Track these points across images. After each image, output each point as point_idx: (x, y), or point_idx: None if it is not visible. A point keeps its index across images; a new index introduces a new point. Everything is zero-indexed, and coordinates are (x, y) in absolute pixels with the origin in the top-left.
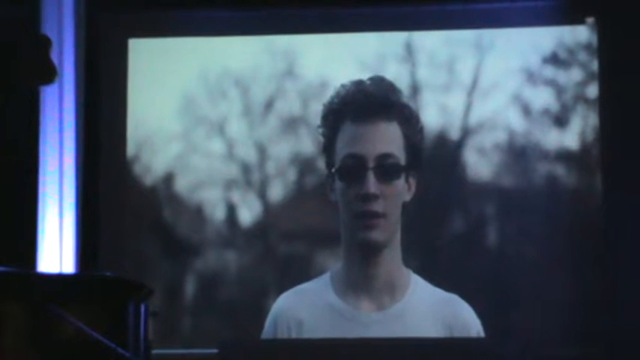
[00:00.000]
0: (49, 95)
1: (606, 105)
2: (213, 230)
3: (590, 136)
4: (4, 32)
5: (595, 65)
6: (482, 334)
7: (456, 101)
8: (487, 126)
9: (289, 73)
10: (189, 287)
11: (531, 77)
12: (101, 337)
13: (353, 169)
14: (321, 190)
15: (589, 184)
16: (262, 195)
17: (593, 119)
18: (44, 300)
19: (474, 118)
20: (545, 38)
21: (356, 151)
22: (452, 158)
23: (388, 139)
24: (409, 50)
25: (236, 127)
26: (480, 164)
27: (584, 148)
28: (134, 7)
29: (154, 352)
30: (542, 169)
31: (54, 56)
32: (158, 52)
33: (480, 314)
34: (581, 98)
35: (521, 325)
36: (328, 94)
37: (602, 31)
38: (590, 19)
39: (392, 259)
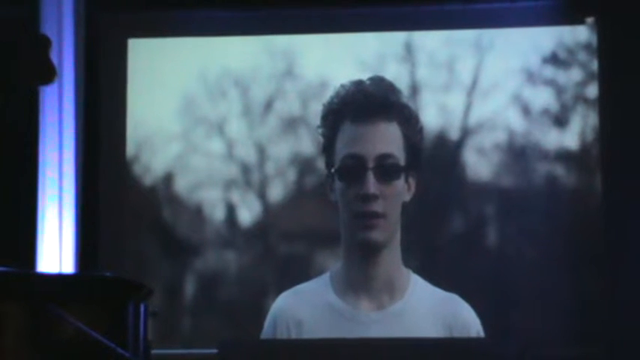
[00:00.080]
0: (48, 95)
1: (606, 105)
2: (213, 230)
3: (590, 136)
4: (4, 32)
5: (595, 65)
6: (482, 333)
7: (455, 101)
8: (487, 126)
9: (289, 73)
10: (189, 287)
11: (531, 77)
12: (101, 337)
13: (353, 170)
14: (320, 190)
15: (589, 184)
16: (262, 195)
17: (593, 119)
18: (44, 300)
19: (474, 118)
20: (545, 38)
21: (356, 152)
22: (452, 158)
23: (388, 139)
24: (409, 50)
25: (236, 127)
26: (479, 164)
27: (584, 148)
28: (134, 7)
29: (154, 352)
30: (542, 169)
31: (53, 56)
32: (158, 52)
33: (480, 314)
34: (580, 98)
35: (521, 325)
36: (328, 94)
37: (602, 31)
38: (589, 19)
39: (391, 259)
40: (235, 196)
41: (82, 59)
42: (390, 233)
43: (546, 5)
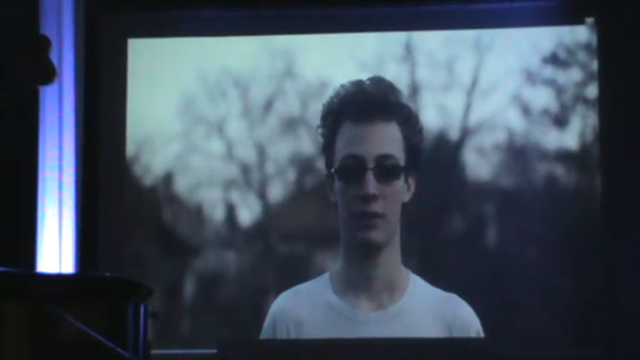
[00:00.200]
0: (48, 95)
1: (606, 105)
2: (213, 230)
3: (590, 136)
4: (4, 32)
5: (594, 65)
6: (481, 333)
7: (455, 101)
8: (487, 126)
9: (289, 73)
10: (189, 287)
11: (531, 77)
12: (100, 337)
13: (352, 170)
14: (320, 190)
15: (589, 184)
16: (262, 195)
17: (593, 119)
18: (44, 300)
19: (474, 119)
20: (544, 38)
21: (355, 152)
22: (451, 158)
23: (387, 139)
24: (409, 50)
25: (235, 127)
26: (479, 164)
27: (584, 148)
28: (134, 7)
29: (154, 352)
30: (542, 169)
31: (53, 56)
32: (157, 52)
33: (480, 314)
34: (580, 98)
35: (521, 325)
36: (328, 95)
37: (602, 31)
38: (589, 19)
39: (391, 259)
40: (235, 196)
41: (82, 59)
42: (389, 233)
43: (546, 5)
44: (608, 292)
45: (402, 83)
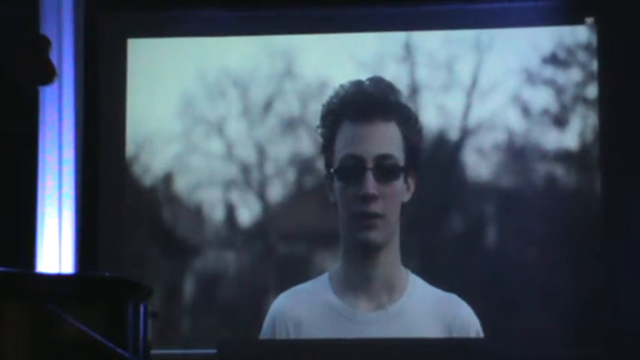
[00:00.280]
0: (48, 95)
1: (606, 105)
2: (213, 230)
3: (590, 136)
4: (4, 32)
5: (594, 65)
6: (480, 333)
7: (455, 101)
8: (486, 126)
9: (288, 73)
10: (189, 287)
11: (531, 77)
12: (100, 337)
13: (352, 170)
14: (320, 190)
15: (589, 184)
16: (261, 195)
17: (593, 119)
18: (44, 300)
19: (474, 119)
20: (544, 38)
21: (355, 152)
22: (451, 158)
23: (387, 139)
24: (408, 50)
25: (235, 128)
26: (479, 164)
27: (584, 148)
28: (134, 7)
29: (154, 352)
30: (542, 169)
31: (53, 57)
32: (157, 52)
33: (480, 314)
34: (580, 98)
35: (521, 325)
36: (328, 95)
37: (602, 31)
38: (589, 20)
39: (390, 259)
40: (235, 197)
41: (81, 59)
42: (388, 233)
43: (546, 5)
44: (608, 292)
45: (401, 83)
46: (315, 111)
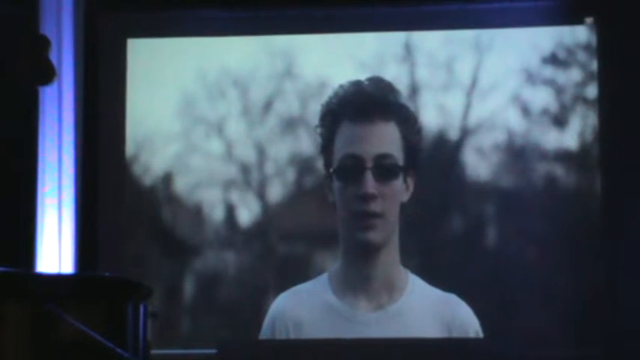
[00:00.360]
0: (48, 95)
1: (605, 105)
2: (212, 230)
3: (590, 136)
4: (4, 32)
5: (594, 65)
6: (480, 333)
7: (455, 101)
8: (486, 126)
9: (288, 73)
10: (189, 287)
11: (530, 77)
12: (100, 337)
13: (351, 169)
14: (320, 190)
15: (589, 184)
16: (261, 195)
17: (593, 119)
18: (44, 300)
19: (473, 119)
20: (544, 38)
21: (354, 152)
22: (451, 158)
23: (386, 139)
24: (408, 50)
25: (235, 128)
26: (479, 164)
27: (584, 148)
28: (134, 7)
29: (154, 352)
30: (542, 169)
31: (53, 57)
32: (157, 52)
33: (480, 314)
34: (580, 98)
35: (520, 325)
36: (327, 95)
37: (602, 31)
38: (589, 19)
39: (390, 259)
40: (235, 197)
41: (81, 59)
42: (388, 233)
43: (546, 5)
44: (608, 292)
45: (401, 83)
46: (314, 111)
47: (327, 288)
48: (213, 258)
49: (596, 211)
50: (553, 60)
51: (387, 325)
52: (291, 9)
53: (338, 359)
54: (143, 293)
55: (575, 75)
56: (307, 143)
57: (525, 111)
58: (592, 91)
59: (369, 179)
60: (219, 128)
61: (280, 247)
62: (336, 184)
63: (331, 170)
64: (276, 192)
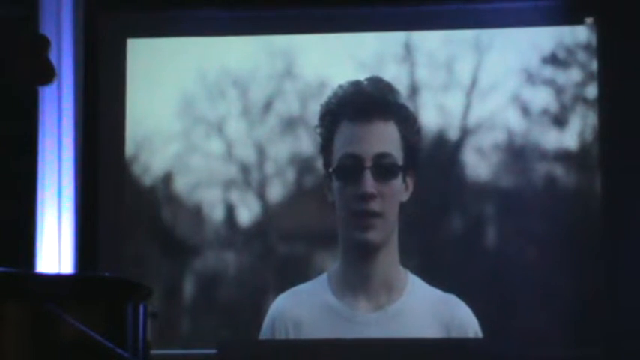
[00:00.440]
0: (48, 96)
1: (605, 105)
2: (212, 230)
3: (590, 136)
4: (4, 32)
5: (594, 65)
6: (479, 333)
7: (454, 101)
8: (486, 126)
9: (288, 73)
10: (188, 287)
11: (530, 77)
12: (100, 337)
13: (350, 169)
14: (320, 190)
15: (589, 184)
16: (261, 195)
17: (593, 119)
18: (44, 300)
19: (473, 118)
20: (544, 38)
21: (353, 151)
22: (451, 158)
23: (385, 139)
24: (408, 50)
25: (235, 128)
26: (478, 164)
27: (584, 148)
28: (133, 7)
29: (154, 352)
30: (542, 169)
31: (53, 56)
32: (157, 52)
33: (480, 314)
34: (580, 98)
35: (520, 325)
36: (327, 95)
37: (602, 31)
38: (589, 19)
39: (389, 258)
40: (234, 196)
41: (81, 59)
42: (387, 233)
43: (546, 5)
44: (608, 292)
45: (401, 83)
46: (314, 111)
47: (326, 288)
48: (213, 258)
49: (596, 211)
50: (553, 60)
51: (387, 325)
52: (291, 9)
53: (338, 359)
54: (143, 293)
55: (575, 75)
56: (307, 143)
57: (525, 111)
58: (592, 91)
59: (369, 179)
60: (219, 128)
61: (280, 247)
62: (336, 184)
63: (331, 170)
64: (276, 192)
